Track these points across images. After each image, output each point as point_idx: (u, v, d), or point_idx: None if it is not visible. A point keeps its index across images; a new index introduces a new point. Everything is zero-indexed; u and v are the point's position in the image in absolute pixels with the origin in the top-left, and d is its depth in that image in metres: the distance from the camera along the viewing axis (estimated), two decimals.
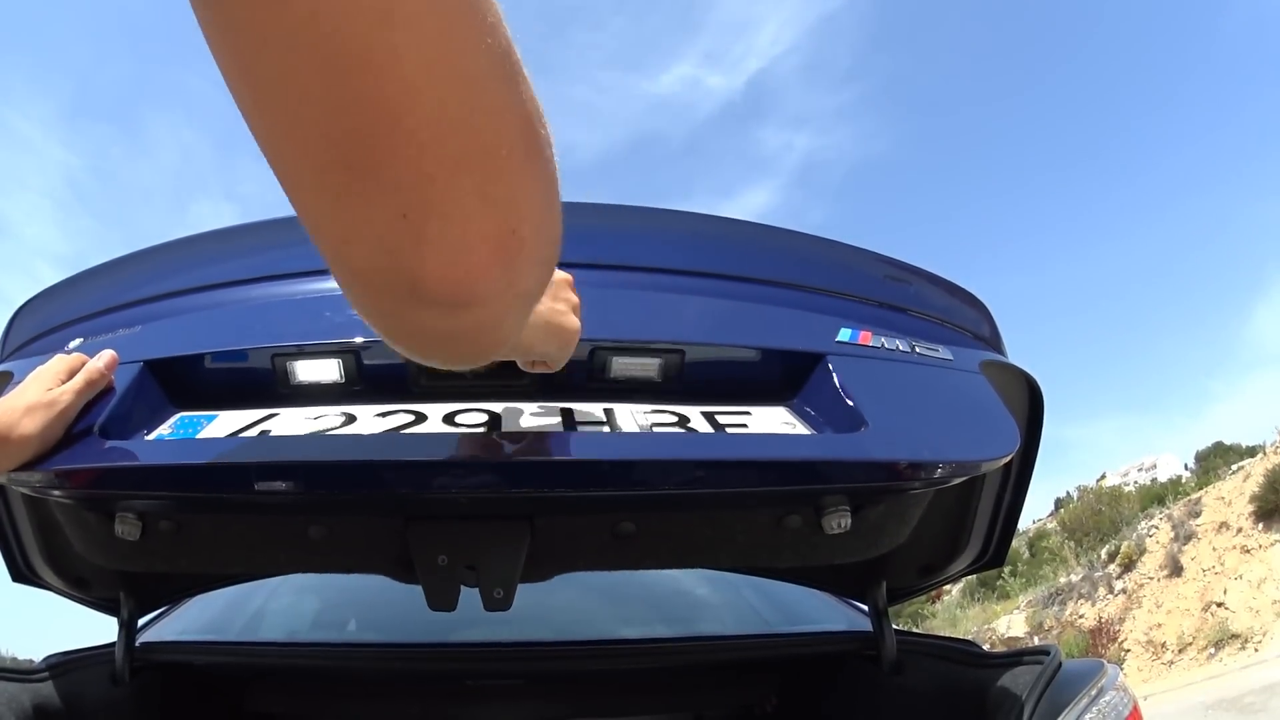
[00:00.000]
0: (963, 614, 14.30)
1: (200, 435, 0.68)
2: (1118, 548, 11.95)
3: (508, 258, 0.31)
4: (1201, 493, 12.00)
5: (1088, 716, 0.82)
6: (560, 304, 0.61)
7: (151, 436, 0.69)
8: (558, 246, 0.36)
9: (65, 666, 1.03)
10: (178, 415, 0.73)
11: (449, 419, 0.72)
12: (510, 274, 0.32)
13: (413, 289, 0.31)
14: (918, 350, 0.84)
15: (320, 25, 0.24)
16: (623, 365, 0.79)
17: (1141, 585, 10.82)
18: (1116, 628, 10.45)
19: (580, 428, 0.71)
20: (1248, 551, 9.75)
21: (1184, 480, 17.00)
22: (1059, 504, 21.41)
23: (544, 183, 0.32)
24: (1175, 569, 10.49)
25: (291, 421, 0.71)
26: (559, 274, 0.63)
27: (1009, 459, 0.76)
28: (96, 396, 0.69)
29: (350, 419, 0.71)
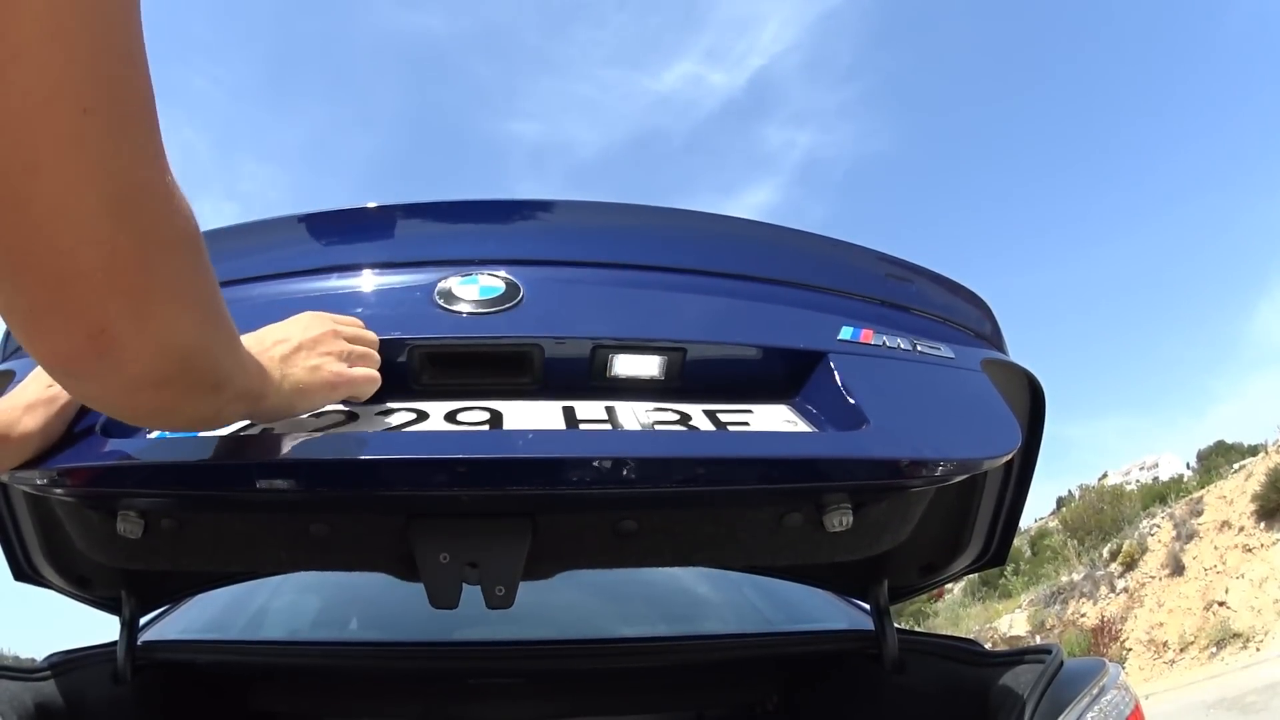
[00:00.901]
0: (964, 613, 14.31)
1: (202, 433, 0.68)
2: (1119, 547, 11.94)
3: (101, 350, 0.38)
4: (1203, 492, 11.99)
5: (1089, 715, 0.82)
6: (318, 359, 0.62)
7: (153, 434, 0.68)
8: (186, 331, 0.42)
9: (67, 665, 1.03)
10: None
11: (451, 417, 0.72)
12: (110, 360, 0.39)
13: (41, 361, 0.39)
14: (919, 348, 0.84)
15: None
16: (624, 363, 0.79)
17: (1143, 584, 10.82)
18: (1118, 627, 10.44)
19: (582, 426, 0.71)
20: (1249, 551, 9.75)
21: (1186, 479, 16.98)
22: (1061, 503, 21.40)
23: (137, 296, 0.37)
24: (1177, 568, 10.48)
25: (293, 419, 0.71)
26: (320, 327, 0.64)
27: (1010, 457, 0.76)
28: None
29: (352, 417, 0.71)
